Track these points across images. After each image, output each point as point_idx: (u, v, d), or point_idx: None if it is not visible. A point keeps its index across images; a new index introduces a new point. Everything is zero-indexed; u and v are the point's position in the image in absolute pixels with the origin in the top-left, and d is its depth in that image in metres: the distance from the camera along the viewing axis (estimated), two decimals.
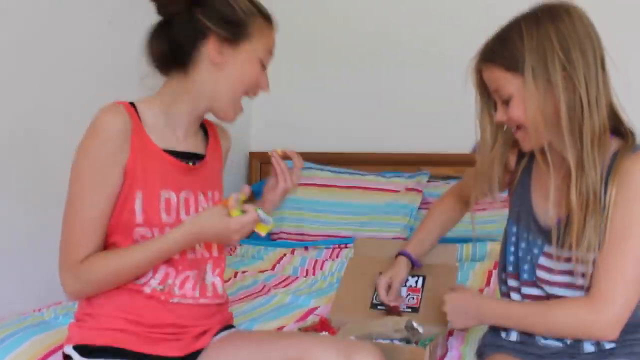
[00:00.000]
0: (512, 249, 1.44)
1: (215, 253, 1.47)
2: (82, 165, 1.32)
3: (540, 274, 1.37)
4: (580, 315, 1.29)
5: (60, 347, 1.44)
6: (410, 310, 1.68)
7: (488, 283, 2.20)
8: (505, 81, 1.29)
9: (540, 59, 1.25)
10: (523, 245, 1.41)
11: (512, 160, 1.48)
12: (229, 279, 2.27)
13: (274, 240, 2.84)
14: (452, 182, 2.83)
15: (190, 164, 1.43)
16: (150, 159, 1.36)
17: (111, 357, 1.30)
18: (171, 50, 1.38)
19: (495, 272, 2.28)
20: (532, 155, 1.43)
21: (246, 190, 1.38)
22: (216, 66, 1.37)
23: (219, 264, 1.48)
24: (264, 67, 1.42)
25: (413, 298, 1.66)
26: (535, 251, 1.38)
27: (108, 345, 1.31)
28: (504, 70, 1.29)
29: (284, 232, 2.83)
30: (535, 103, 1.26)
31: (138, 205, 1.34)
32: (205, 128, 1.54)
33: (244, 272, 2.38)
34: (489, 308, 1.42)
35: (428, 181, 2.87)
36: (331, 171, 2.96)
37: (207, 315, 1.43)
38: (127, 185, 1.33)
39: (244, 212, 1.32)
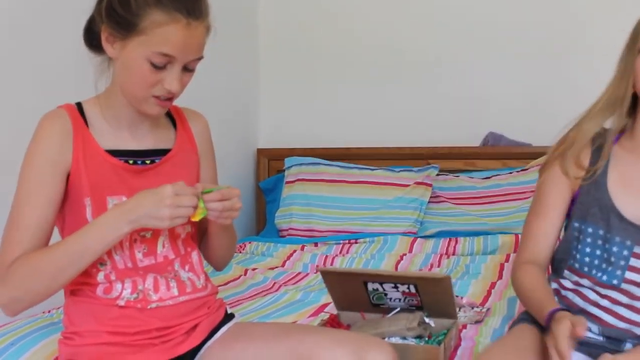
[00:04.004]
0: (588, 249, 1.38)
1: (181, 251, 1.38)
2: (23, 171, 1.27)
3: (631, 275, 1.32)
4: None
5: None
6: (414, 309, 1.65)
7: (500, 276, 2.19)
8: None
9: None
10: (607, 246, 1.35)
11: (585, 159, 1.41)
12: (239, 276, 2.26)
13: (283, 237, 2.84)
14: (462, 176, 2.84)
15: (148, 162, 1.34)
16: (94, 163, 1.29)
17: None
18: (87, 36, 1.33)
19: (507, 265, 2.27)
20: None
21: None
22: (114, 60, 1.28)
23: (187, 260, 1.39)
24: (157, 65, 1.23)
25: (412, 299, 1.64)
26: (625, 252, 1.33)
27: None
28: None
29: (293, 229, 2.82)
30: None
31: (89, 214, 1.27)
32: (173, 117, 1.43)
33: (254, 269, 2.37)
34: None
35: (437, 175, 2.86)
36: (340, 166, 2.95)
37: (192, 310, 1.36)
38: (75, 193, 1.28)
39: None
